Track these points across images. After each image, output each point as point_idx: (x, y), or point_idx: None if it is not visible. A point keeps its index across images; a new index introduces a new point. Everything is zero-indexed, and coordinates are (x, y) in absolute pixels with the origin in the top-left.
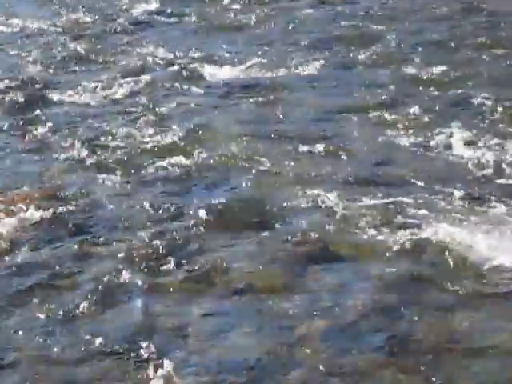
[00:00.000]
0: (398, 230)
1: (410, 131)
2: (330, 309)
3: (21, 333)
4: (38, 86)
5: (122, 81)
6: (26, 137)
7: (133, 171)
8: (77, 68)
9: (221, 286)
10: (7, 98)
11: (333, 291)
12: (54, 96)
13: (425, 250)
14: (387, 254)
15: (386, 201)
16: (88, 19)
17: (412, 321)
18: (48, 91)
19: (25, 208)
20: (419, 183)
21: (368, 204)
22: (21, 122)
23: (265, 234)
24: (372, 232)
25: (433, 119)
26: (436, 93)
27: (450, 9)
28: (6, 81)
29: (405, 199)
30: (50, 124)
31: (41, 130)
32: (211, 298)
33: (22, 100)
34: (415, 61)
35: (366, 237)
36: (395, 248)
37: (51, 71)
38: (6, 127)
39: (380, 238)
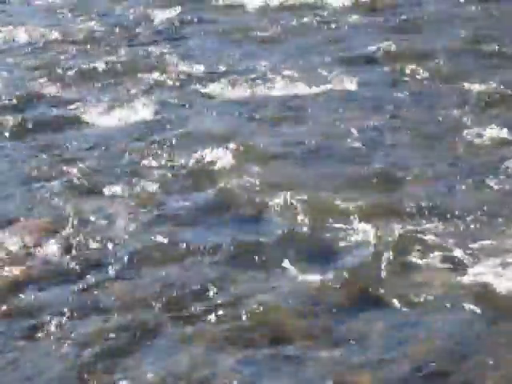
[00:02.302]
0: (456, 271)
1: (471, 155)
2: (376, 359)
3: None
4: (47, 103)
5: (140, 98)
6: (34, 160)
7: (152, 201)
8: (90, 83)
9: (254, 333)
10: (13, 117)
11: (380, 339)
12: (65, 115)
13: (486, 292)
14: (442, 298)
15: (445, 236)
16: (103, 28)
17: (470, 373)
18: (58, 109)
19: (33, 240)
20: (482, 216)
21: (424, 239)
22: (28, 144)
23: (302, 272)
24: (426, 273)
25: (496, 142)
26: (498, 112)
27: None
28: (12, 97)
29: (466, 235)
30: (59, 146)
31: (49, 152)
32: (243, 346)
33: (30, 119)
34: (471, 76)
35: (419, 278)
36: (452, 290)
37: (61, 87)
38: (10, 149)
39: (436, 279)
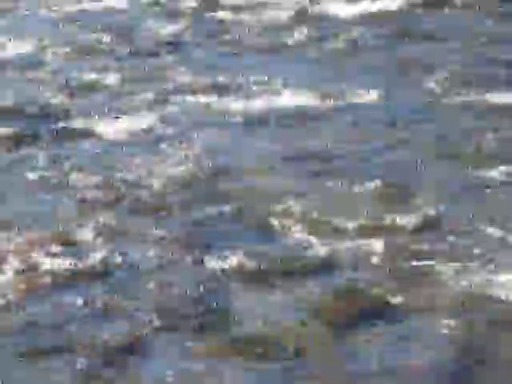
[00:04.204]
0: (459, 283)
1: (484, 165)
2: (379, 371)
3: None
4: (52, 115)
5: (147, 110)
6: (40, 171)
7: (159, 215)
8: (96, 95)
9: (258, 347)
10: (18, 128)
11: (382, 351)
12: (70, 127)
13: (491, 304)
14: (450, 307)
15: (450, 247)
16: (107, 40)
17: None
18: (64, 121)
19: (35, 254)
20: (487, 229)
21: (428, 252)
22: (33, 155)
23: (305, 285)
24: (430, 285)
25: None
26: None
27: None
28: (18, 109)
29: (470, 247)
30: (64, 158)
31: (54, 164)
32: (244, 360)
33: (35, 130)
34: (485, 88)
35: (423, 290)
36: (458, 300)
37: (67, 98)
38: (16, 161)
39: (441, 288)
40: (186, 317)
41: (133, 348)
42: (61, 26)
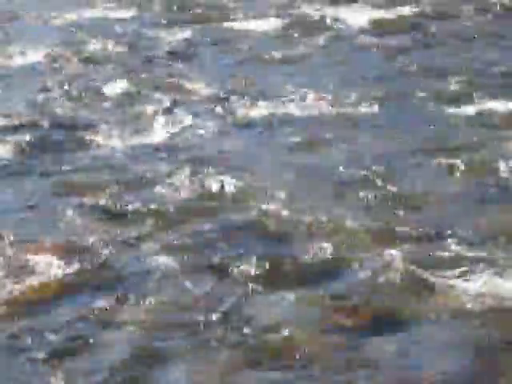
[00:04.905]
0: (468, 290)
1: (487, 178)
2: (384, 376)
3: None
4: (62, 124)
5: (158, 120)
6: (45, 179)
7: (169, 224)
8: (106, 104)
9: (266, 356)
10: (27, 137)
11: (393, 361)
12: (80, 136)
13: (502, 313)
14: (456, 319)
15: (456, 258)
16: (116, 49)
17: None
18: (73, 131)
19: (44, 262)
20: (497, 239)
21: (435, 261)
22: (43, 165)
23: (315, 295)
24: (440, 294)
25: None
26: None
27: None
28: (28, 118)
29: (477, 255)
30: (74, 168)
31: (64, 174)
32: (255, 369)
33: (44, 140)
34: (488, 96)
35: (433, 300)
36: (464, 310)
37: (77, 107)
38: (23, 169)
39: (450, 300)
40: (192, 324)
41: (140, 356)
42: (69, 34)
